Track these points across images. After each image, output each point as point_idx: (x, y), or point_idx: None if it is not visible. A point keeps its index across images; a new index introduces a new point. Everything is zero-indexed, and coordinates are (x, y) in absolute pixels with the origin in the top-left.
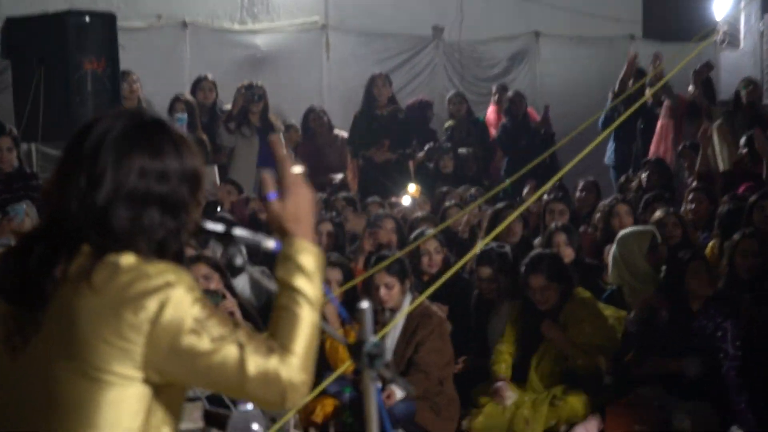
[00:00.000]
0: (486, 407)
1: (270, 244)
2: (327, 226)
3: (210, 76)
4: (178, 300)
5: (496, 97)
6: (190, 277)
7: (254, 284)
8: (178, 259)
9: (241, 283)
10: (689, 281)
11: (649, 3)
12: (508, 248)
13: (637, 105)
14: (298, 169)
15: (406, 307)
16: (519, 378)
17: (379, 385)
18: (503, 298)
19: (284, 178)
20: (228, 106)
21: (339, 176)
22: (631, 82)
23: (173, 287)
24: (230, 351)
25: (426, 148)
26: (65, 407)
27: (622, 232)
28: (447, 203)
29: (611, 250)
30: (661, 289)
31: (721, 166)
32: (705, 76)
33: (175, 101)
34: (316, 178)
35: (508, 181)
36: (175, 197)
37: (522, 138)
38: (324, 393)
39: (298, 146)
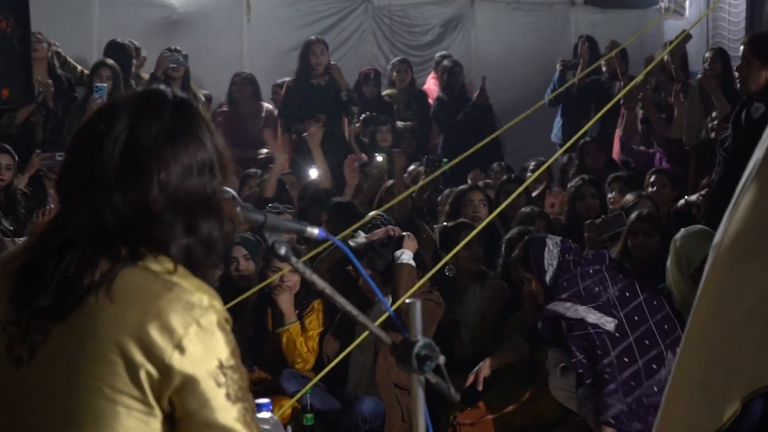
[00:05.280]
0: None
1: (314, 231)
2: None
3: (136, 42)
4: (210, 331)
5: (438, 66)
6: (223, 307)
7: None
8: (212, 266)
9: None
10: None
11: None
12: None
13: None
14: None
15: None
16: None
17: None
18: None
19: None
20: (145, 75)
21: (265, 151)
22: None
23: (207, 312)
24: (238, 418)
25: (362, 116)
26: (78, 429)
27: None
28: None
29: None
30: None
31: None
32: (682, 48)
33: (100, 66)
34: (240, 152)
35: (447, 166)
36: (213, 191)
37: (459, 112)
38: (282, 393)
39: (218, 116)
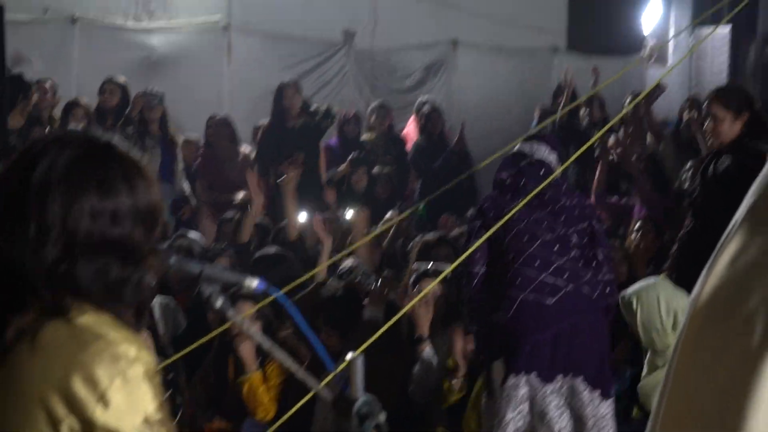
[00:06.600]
0: None
1: (252, 283)
2: None
3: (123, 79)
4: (135, 383)
5: (419, 111)
6: (153, 358)
7: (165, 313)
8: (139, 318)
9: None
10: None
11: (574, 13)
12: None
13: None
14: None
15: None
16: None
17: None
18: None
19: None
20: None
21: (241, 194)
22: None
23: (133, 364)
24: None
25: (350, 157)
26: None
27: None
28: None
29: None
30: None
31: None
32: (656, 98)
33: (74, 106)
34: (216, 196)
35: (421, 204)
36: (131, 241)
37: (437, 158)
38: None
39: (197, 160)
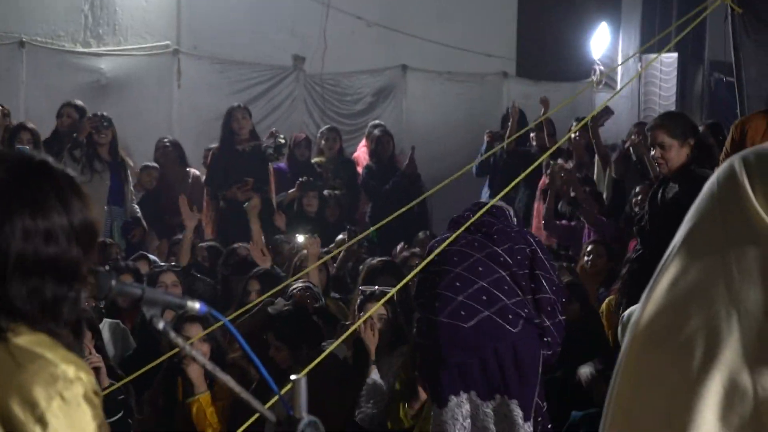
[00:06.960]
0: None
1: (195, 305)
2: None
3: (80, 102)
4: (74, 404)
5: (369, 135)
6: (93, 378)
7: (114, 334)
8: (76, 335)
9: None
10: None
11: (523, 40)
12: None
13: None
14: None
15: None
16: None
17: None
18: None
19: None
20: None
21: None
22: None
23: (72, 385)
24: None
25: (299, 181)
26: None
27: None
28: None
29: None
30: None
31: None
32: (604, 122)
33: (20, 129)
34: (167, 219)
35: (373, 229)
36: (67, 260)
37: (388, 181)
38: None
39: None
